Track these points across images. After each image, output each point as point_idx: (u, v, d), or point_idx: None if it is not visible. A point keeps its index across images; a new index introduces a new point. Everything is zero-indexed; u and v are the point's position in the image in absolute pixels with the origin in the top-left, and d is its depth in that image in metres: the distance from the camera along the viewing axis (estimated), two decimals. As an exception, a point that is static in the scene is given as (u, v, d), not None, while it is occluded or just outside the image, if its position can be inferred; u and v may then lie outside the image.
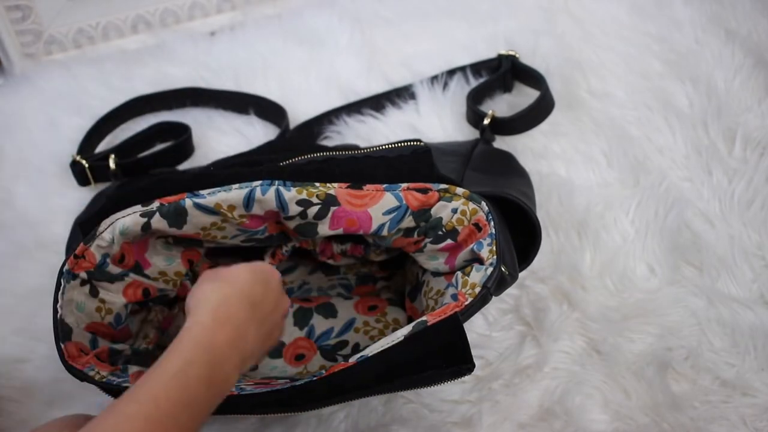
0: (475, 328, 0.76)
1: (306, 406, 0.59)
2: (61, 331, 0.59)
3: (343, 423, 0.70)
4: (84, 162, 0.86)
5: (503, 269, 0.60)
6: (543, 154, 0.90)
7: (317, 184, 0.61)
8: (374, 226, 0.62)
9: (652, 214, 0.83)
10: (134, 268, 0.64)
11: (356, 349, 0.72)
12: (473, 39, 1.03)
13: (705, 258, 0.79)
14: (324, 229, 0.62)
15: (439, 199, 0.62)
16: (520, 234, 0.68)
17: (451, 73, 0.98)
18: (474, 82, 0.96)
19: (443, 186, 0.62)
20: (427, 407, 0.70)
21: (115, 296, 0.63)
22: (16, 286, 0.83)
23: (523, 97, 0.94)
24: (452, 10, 1.10)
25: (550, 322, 0.74)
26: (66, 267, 0.60)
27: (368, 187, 0.61)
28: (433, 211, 0.63)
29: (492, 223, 0.61)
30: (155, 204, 0.61)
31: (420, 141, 0.74)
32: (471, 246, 0.62)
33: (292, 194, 0.60)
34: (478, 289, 0.59)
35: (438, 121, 0.94)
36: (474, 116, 0.88)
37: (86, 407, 0.64)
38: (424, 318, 0.57)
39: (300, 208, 0.61)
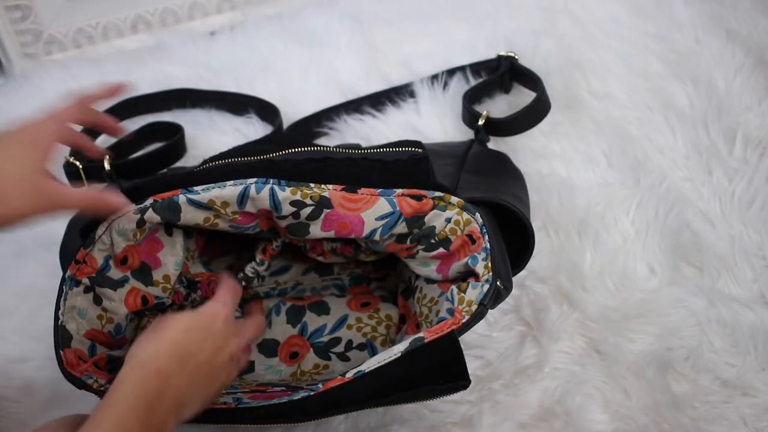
0: (475, 328, 0.74)
1: (303, 419, 0.59)
2: (62, 338, 0.59)
3: (343, 423, 0.70)
4: (77, 163, 0.85)
5: (498, 284, 0.61)
6: (543, 154, 0.90)
7: (312, 185, 0.61)
8: (366, 231, 0.62)
9: (653, 214, 0.83)
10: (138, 271, 0.64)
11: (349, 346, 0.72)
12: (473, 39, 1.03)
13: (705, 258, 0.79)
14: (316, 230, 0.62)
15: (434, 207, 0.62)
16: (513, 238, 0.68)
17: (451, 73, 0.98)
18: (474, 83, 0.96)
19: (438, 194, 0.62)
20: (427, 407, 0.70)
21: (118, 306, 0.63)
22: (16, 286, 0.83)
23: (525, 98, 0.94)
24: (452, 10, 1.10)
25: (550, 322, 0.74)
26: (68, 273, 0.60)
27: (363, 190, 0.61)
28: (426, 218, 0.63)
29: (486, 237, 0.62)
30: (149, 201, 0.61)
31: (419, 145, 0.73)
32: (466, 259, 0.62)
33: (286, 194, 0.60)
34: (474, 307, 0.60)
35: (438, 121, 0.94)
36: (469, 116, 0.88)
37: (86, 407, 0.64)
38: (420, 335, 0.57)
39: (293, 209, 0.61)
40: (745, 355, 0.72)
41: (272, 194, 0.60)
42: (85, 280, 0.61)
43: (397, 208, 0.61)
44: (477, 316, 0.60)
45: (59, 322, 0.59)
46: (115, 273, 0.62)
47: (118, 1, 1.08)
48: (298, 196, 0.60)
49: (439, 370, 0.57)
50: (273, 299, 0.78)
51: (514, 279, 0.79)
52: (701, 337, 0.74)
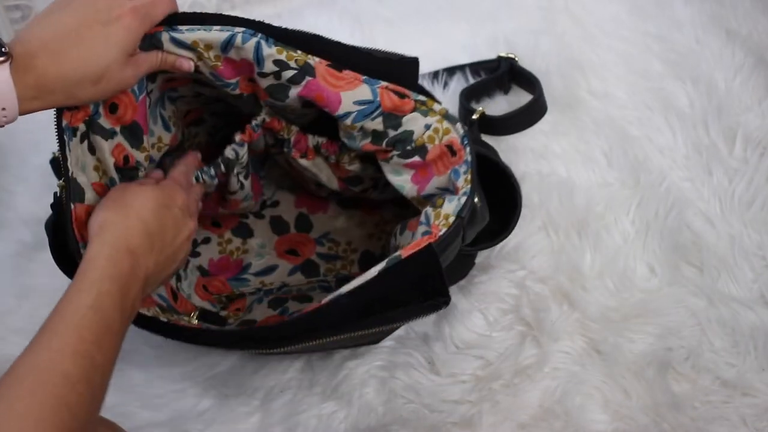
0: (475, 328, 0.76)
1: (277, 345, 0.58)
2: (74, 192, 0.56)
3: (343, 423, 0.70)
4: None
5: (476, 200, 0.59)
6: (543, 154, 0.90)
7: (299, 51, 0.59)
8: (341, 110, 0.60)
9: (653, 214, 0.82)
10: (128, 129, 0.61)
11: None
12: (473, 39, 1.03)
13: (705, 258, 0.79)
14: (295, 93, 0.60)
15: (414, 109, 0.61)
16: (500, 205, 0.68)
17: (451, 72, 0.98)
18: (473, 82, 0.96)
19: (421, 97, 0.61)
20: (427, 407, 0.70)
21: (107, 156, 0.60)
22: (16, 286, 0.83)
23: (525, 99, 0.94)
24: (452, 10, 1.10)
25: (550, 322, 0.74)
26: (64, 122, 0.56)
27: (347, 72, 0.60)
28: (404, 120, 0.61)
29: (468, 148, 0.60)
30: None
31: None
32: (448, 173, 0.61)
33: (271, 51, 0.58)
34: (452, 219, 0.58)
35: (438, 120, 0.93)
36: (465, 113, 0.88)
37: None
38: (398, 253, 0.56)
39: (276, 68, 0.59)
40: (745, 355, 0.72)
41: (257, 48, 0.58)
42: (81, 126, 0.58)
43: (378, 99, 0.60)
44: (455, 229, 0.58)
45: (69, 174, 0.56)
46: (104, 122, 0.60)
47: (118, 1, 1.08)
48: (283, 57, 0.59)
49: (418, 286, 0.55)
50: (257, 296, 0.78)
51: (513, 278, 0.79)
52: (701, 337, 0.74)
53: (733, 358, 0.72)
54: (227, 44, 0.58)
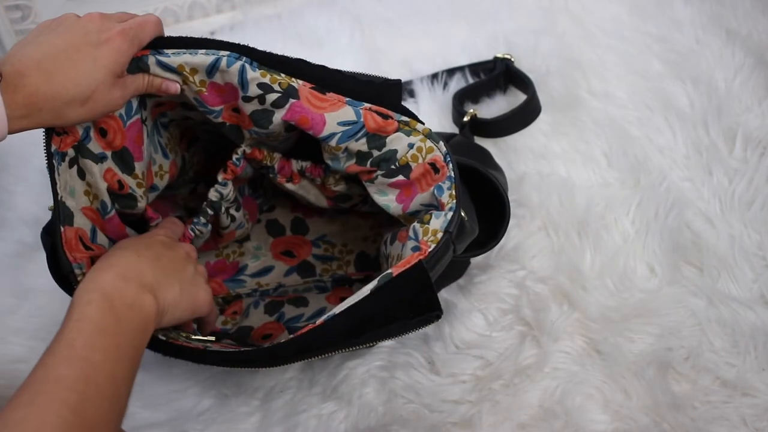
0: (475, 328, 0.76)
1: (273, 363, 0.60)
2: (63, 215, 0.58)
3: (343, 423, 0.70)
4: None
5: (462, 214, 0.60)
6: (543, 154, 0.90)
7: (282, 74, 0.60)
8: (325, 132, 0.61)
9: (653, 214, 0.83)
10: (118, 155, 0.62)
11: None
12: (473, 39, 1.03)
13: (705, 258, 0.79)
14: (279, 117, 0.61)
15: (398, 130, 0.62)
16: (490, 214, 0.68)
17: (451, 73, 0.98)
18: (467, 84, 0.96)
19: (404, 118, 0.62)
20: (427, 407, 0.70)
21: (98, 179, 0.61)
22: (16, 286, 0.83)
23: (524, 99, 0.94)
24: (452, 10, 1.10)
25: (550, 322, 0.74)
26: (53, 147, 0.57)
27: (331, 94, 0.61)
28: (388, 140, 0.62)
29: (450, 165, 0.61)
30: None
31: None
32: (431, 190, 0.62)
33: (255, 75, 0.59)
34: (440, 235, 0.59)
35: (437, 121, 0.94)
36: (457, 116, 0.88)
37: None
38: (389, 270, 0.57)
39: (260, 91, 0.60)
40: (745, 355, 0.72)
41: (242, 71, 0.59)
42: (70, 152, 0.59)
43: (362, 119, 0.61)
44: (444, 246, 0.58)
45: (59, 198, 0.57)
46: (95, 146, 0.61)
47: (118, 1, 1.08)
48: (267, 80, 0.60)
49: (410, 302, 0.56)
50: (253, 298, 0.78)
51: (513, 278, 0.79)
52: (701, 337, 0.74)
53: (733, 358, 0.72)
54: (212, 68, 0.59)
